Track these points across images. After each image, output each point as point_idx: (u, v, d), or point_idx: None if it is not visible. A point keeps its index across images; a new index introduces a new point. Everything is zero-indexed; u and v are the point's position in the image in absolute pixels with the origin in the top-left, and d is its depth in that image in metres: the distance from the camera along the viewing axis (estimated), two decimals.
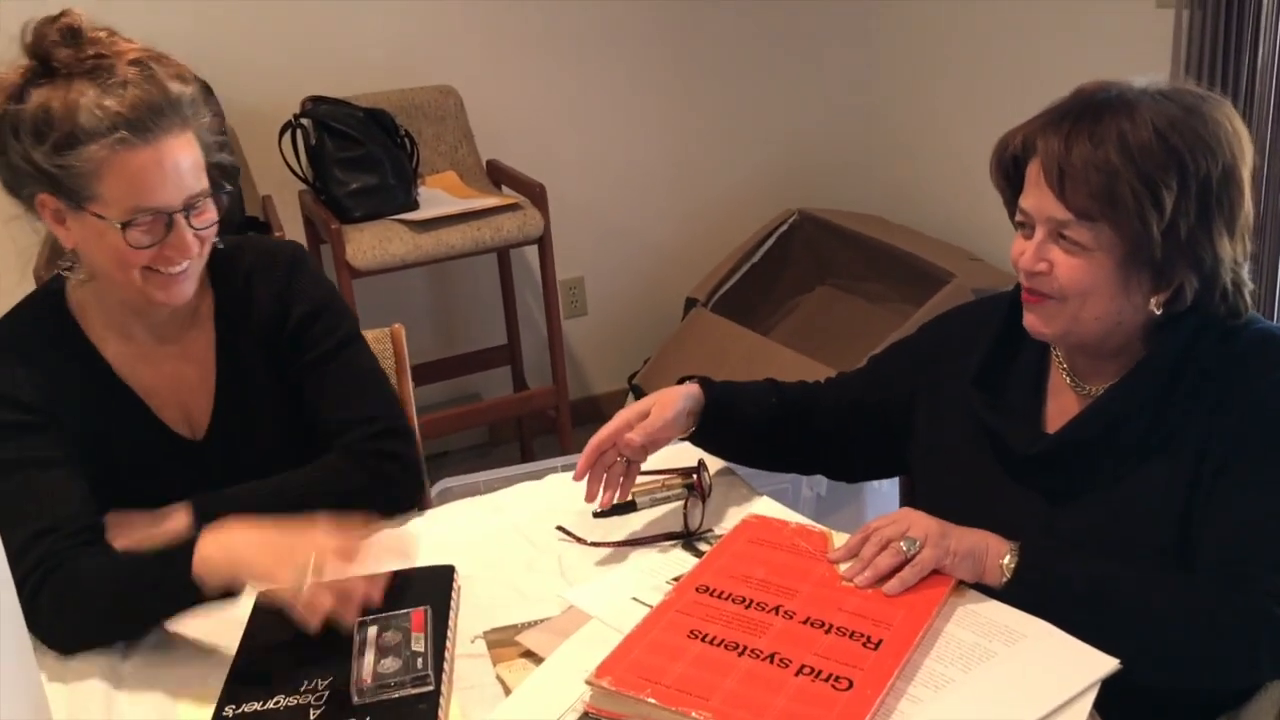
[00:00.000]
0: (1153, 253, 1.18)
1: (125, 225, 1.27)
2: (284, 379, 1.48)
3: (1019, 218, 1.27)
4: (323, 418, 1.46)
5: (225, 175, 1.37)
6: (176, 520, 1.31)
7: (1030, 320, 1.28)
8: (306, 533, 1.20)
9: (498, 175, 3.08)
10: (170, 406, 1.43)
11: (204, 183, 1.32)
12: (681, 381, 1.45)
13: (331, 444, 1.44)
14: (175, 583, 1.21)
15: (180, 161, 1.28)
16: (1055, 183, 1.19)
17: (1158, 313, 1.23)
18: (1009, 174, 1.29)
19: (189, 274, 1.35)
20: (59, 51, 1.26)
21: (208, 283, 1.46)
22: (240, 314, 1.47)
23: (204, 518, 1.31)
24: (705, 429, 1.44)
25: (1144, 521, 1.23)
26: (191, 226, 1.31)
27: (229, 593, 1.23)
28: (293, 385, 1.48)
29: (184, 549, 1.21)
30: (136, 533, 1.30)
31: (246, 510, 1.30)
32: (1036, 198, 1.23)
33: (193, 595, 1.21)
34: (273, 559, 1.18)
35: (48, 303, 1.41)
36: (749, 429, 1.47)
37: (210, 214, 1.34)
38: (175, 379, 1.44)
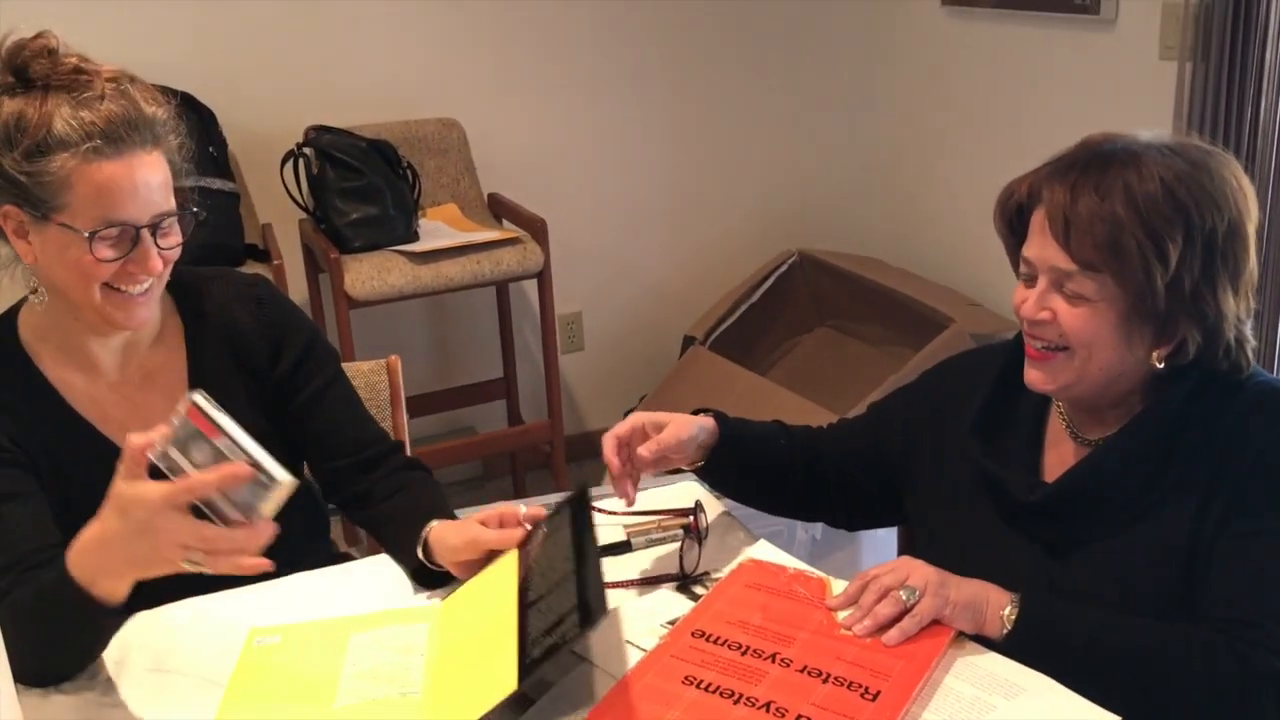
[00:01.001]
0: (1156, 305, 1.18)
1: (92, 236, 1.26)
2: (267, 408, 1.48)
3: (1023, 267, 1.26)
4: (335, 439, 1.50)
5: (189, 201, 1.36)
6: None
7: (1034, 376, 1.27)
8: (150, 514, 1.06)
9: (499, 209, 3.08)
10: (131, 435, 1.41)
11: (172, 203, 1.32)
12: (695, 413, 1.44)
13: (347, 461, 1.49)
14: (72, 596, 1.12)
15: (150, 178, 1.29)
16: (1060, 233, 1.19)
17: (1159, 366, 1.22)
18: (1012, 222, 1.29)
19: (149, 296, 1.34)
20: (36, 64, 1.26)
21: (174, 312, 1.45)
22: (219, 345, 1.46)
23: None
24: (714, 464, 1.43)
25: (1144, 572, 1.22)
26: (157, 245, 1.30)
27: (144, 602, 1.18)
28: (276, 418, 1.48)
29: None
30: None
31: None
32: (1040, 247, 1.22)
33: (95, 607, 1.12)
34: (135, 543, 1.07)
35: None
36: (756, 469, 1.46)
37: (176, 236, 1.34)
38: (139, 408, 1.41)
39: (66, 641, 1.19)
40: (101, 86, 1.27)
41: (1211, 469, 1.21)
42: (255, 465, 1.05)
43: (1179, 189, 1.17)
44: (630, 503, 1.36)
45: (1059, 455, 1.33)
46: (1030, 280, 1.25)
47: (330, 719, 1.12)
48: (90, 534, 1.11)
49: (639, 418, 1.38)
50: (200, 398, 1.06)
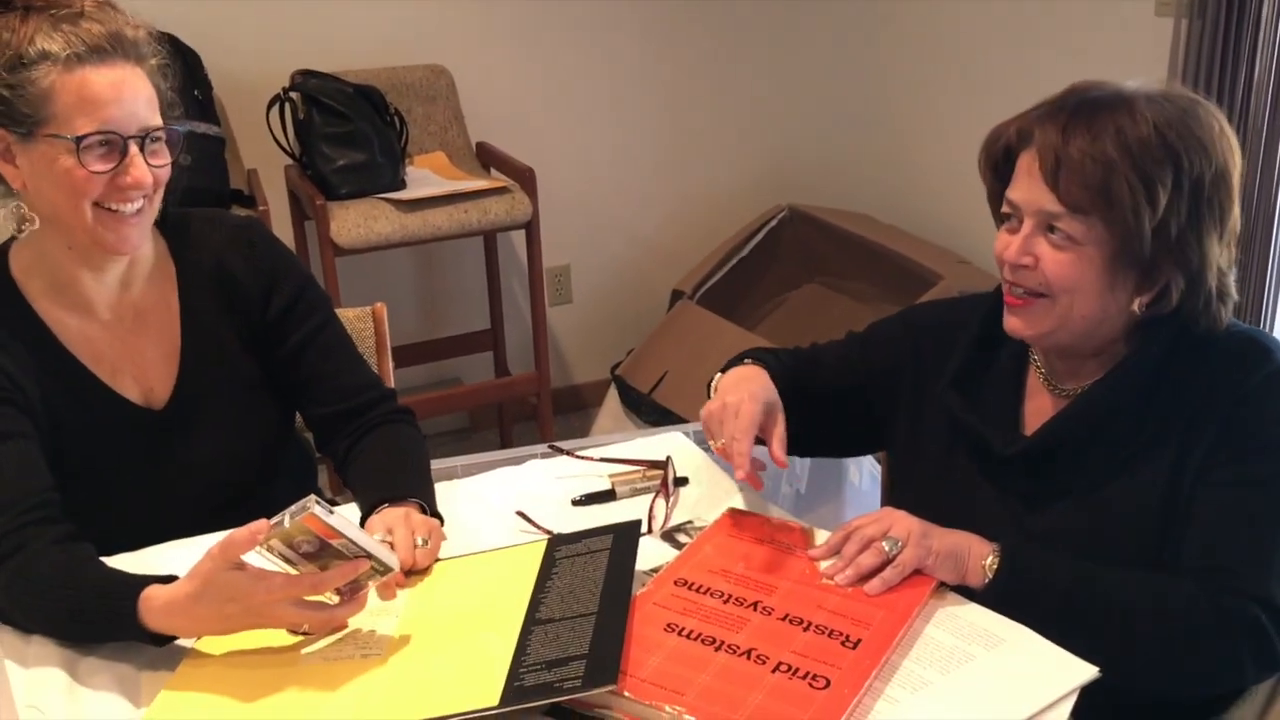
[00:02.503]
0: (1142, 250, 1.18)
1: (79, 141, 1.24)
2: (255, 356, 1.46)
3: (1005, 209, 1.25)
4: (330, 385, 1.49)
5: (178, 129, 1.35)
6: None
7: (1013, 323, 1.26)
8: (244, 588, 1.10)
9: (487, 158, 3.05)
10: (123, 376, 1.40)
11: (158, 120, 1.30)
12: (729, 366, 1.42)
13: (335, 408, 1.48)
14: (126, 624, 1.13)
15: (137, 90, 1.28)
16: (1050, 174, 1.18)
17: (1140, 313, 1.22)
18: (998, 166, 1.28)
19: (141, 218, 1.32)
20: None
21: (167, 253, 1.44)
22: (211, 287, 1.44)
23: None
24: None
25: (1122, 523, 1.23)
26: (147, 161, 1.29)
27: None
28: (270, 361, 1.47)
29: (132, 593, 1.13)
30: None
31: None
32: (1027, 189, 1.21)
33: (145, 636, 1.14)
34: (236, 619, 1.11)
35: None
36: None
37: (165, 156, 1.32)
38: (131, 349, 1.41)
39: (96, 638, 1.18)
40: (82, 4, 1.26)
41: (1189, 419, 1.21)
42: (370, 556, 1.12)
43: (1169, 133, 1.17)
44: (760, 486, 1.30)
45: (1037, 407, 1.33)
46: (1013, 224, 1.24)
47: (288, 671, 1.10)
48: (176, 600, 1.11)
49: (753, 418, 1.27)
50: (318, 508, 1.07)
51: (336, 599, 1.14)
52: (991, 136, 1.28)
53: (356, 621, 1.16)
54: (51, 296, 1.37)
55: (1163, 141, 1.16)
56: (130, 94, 1.27)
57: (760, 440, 1.29)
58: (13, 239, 1.37)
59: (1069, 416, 1.26)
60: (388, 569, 1.14)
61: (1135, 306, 1.22)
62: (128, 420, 1.39)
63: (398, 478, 1.39)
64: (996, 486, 1.31)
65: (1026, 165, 1.22)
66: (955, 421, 1.34)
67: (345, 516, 1.11)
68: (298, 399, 1.52)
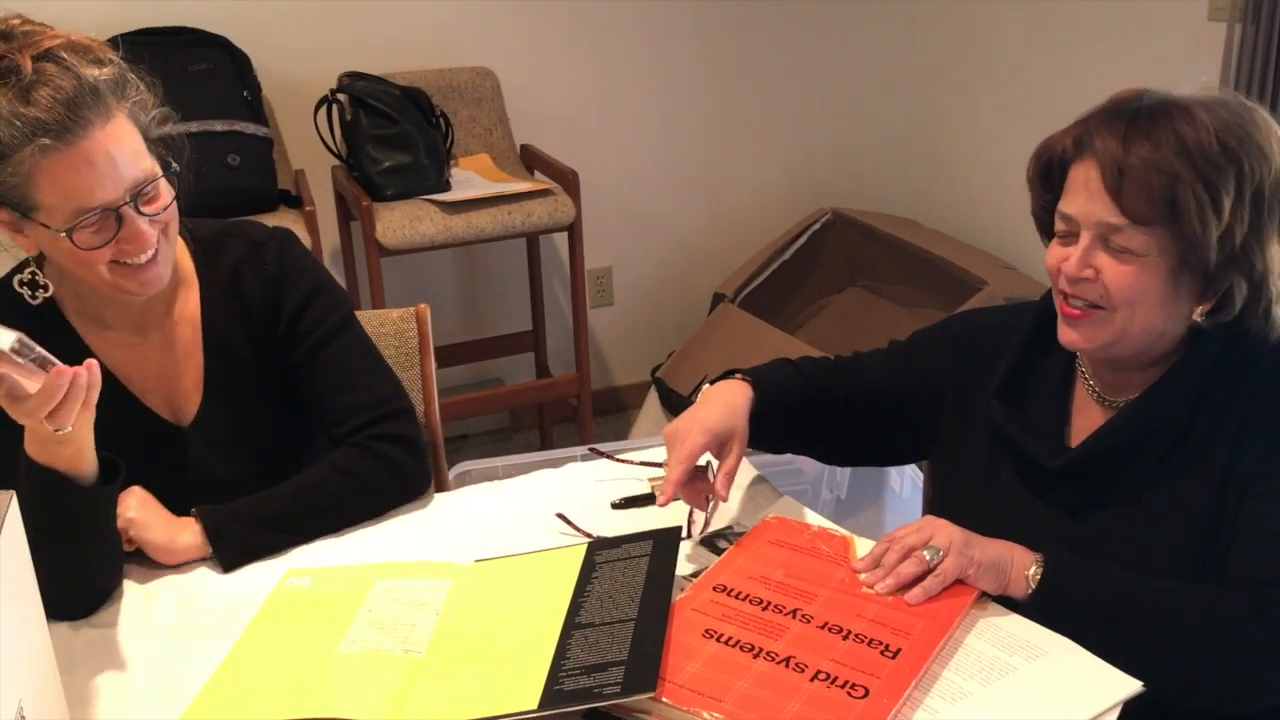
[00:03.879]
0: (1206, 259, 1.16)
1: (70, 231, 1.21)
2: (275, 370, 1.46)
3: (1060, 225, 1.24)
4: (324, 407, 1.45)
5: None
6: (191, 535, 1.32)
7: (1071, 336, 1.24)
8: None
9: (531, 160, 3.06)
10: (153, 394, 1.42)
11: (147, 166, 1.24)
12: (719, 377, 1.41)
13: (334, 432, 1.44)
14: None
15: (113, 153, 1.20)
16: (1112, 185, 1.17)
17: (1199, 321, 1.21)
18: (1050, 177, 1.27)
19: (158, 260, 1.29)
20: None
21: (193, 271, 1.43)
22: (229, 306, 1.44)
23: (214, 533, 1.31)
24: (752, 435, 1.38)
25: (1169, 534, 1.21)
26: (144, 215, 1.24)
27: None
28: (290, 375, 1.46)
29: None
30: (152, 539, 1.30)
31: (259, 521, 1.32)
32: (1085, 202, 1.20)
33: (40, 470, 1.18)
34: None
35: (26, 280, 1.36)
36: (791, 427, 1.44)
37: (163, 198, 1.27)
38: (158, 368, 1.42)
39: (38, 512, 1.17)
40: (29, 68, 1.16)
41: (1237, 429, 1.20)
42: None
43: (1229, 139, 1.15)
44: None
45: (1084, 419, 1.31)
46: (1068, 238, 1.23)
47: (326, 664, 1.12)
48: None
49: (694, 449, 1.26)
50: None
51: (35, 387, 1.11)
52: (1043, 148, 1.27)
53: (402, 616, 1.17)
54: (85, 313, 1.38)
55: (1224, 148, 1.15)
56: (108, 161, 1.20)
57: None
58: (43, 257, 1.37)
59: (1116, 429, 1.25)
60: (10, 350, 1.07)
61: (1196, 315, 1.21)
62: (157, 435, 1.41)
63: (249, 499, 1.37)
64: (1041, 498, 1.30)
65: (1082, 178, 1.20)
66: (999, 432, 1.33)
67: None
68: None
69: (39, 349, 1.08)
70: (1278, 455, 1.18)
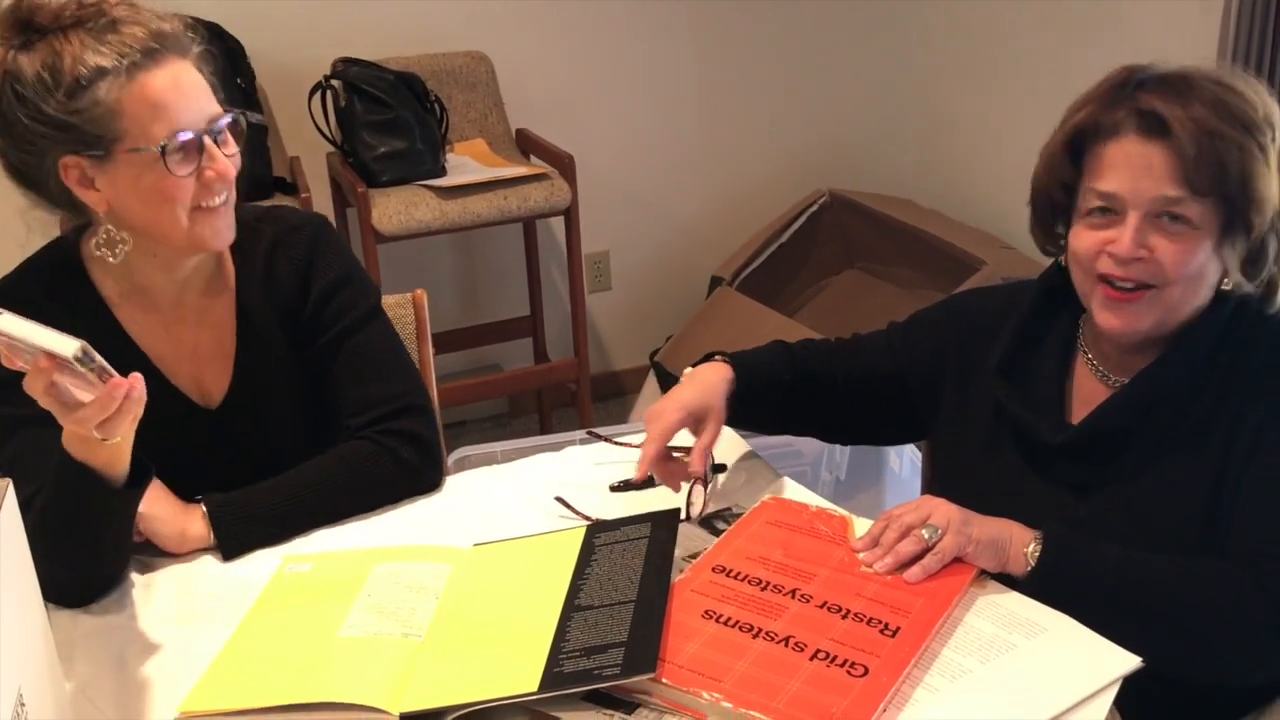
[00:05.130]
0: (1253, 224, 1.17)
1: (163, 150, 1.24)
2: (303, 355, 1.46)
3: (1091, 204, 1.22)
4: (341, 397, 1.45)
5: (238, 114, 1.34)
6: (199, 526, 1.32)
7: (1113, 321, 1.22)
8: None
9: (527, 145, 3.05)
10: (183, 375, 1.42)
11: (219, 108, 1.31)
12: (701, 360, 1.42)
13: (348, 423, 1.43)
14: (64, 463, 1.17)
15: (194, 83, 1.28)
16: (1174, 158, 1.15)
17: (1227, 288, 1.21)
18: (1075, 157, 1.24)
19: (228, 209, 1.33)
20: (39, 14, 1.23)
21: (228, 254, 1.44)
22: (262, 288, 1.44)
23: (218, 525, 1.31)
24: (732, 417, 1.40)
25: (1168, 511, 1.22)
26: (221, 150, 1.29)
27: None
28: (313, 362, 1.46)
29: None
30: (162, 531, 1.31)
31: (263, 514, 1.32)
32: (1132, 179, 1.18)
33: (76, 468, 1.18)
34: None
35: (59, 259, 1.38)
36: (775, 408, 1.45)
37: (233, 144, 1.32)
38: (191, 348, 1.42)
39: (65, 511, 1.19)
40: (112, 13, 1.25)
41: (1239, 404, 1.20)
42: (47, 352, 1.07)
43: (1258, 102, 1.17)
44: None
45: (1084, 395, 1.31)
46: (1109, 217, 1.20)
47: (327, 648, 1.11)
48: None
49: (668, 426, 1.29)
50: None
51: (89, 397, 1.11)
52: (1074, 127, 1.23)
53: (401, 600, 1.18)
54: (122, 294, 1.38)
55: (1263, 109, 1.17)
56: (190, 89, 1.27)
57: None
58: (77, 235, 1.38)
59: (1117, 404, 1.25)
60: (73, 358, 1.07)
61: (1225, 284, 1.21)
62: (186, 416, 1.41)
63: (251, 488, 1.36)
64: (1041, 475, 1.30)
65: (1123, 155, 1.19)
66: (1000, 409, 1.33)
67: (15, 319, 1.06)
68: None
69: (99, 358, 1.08)
70: (1276, 427, 1.18)
